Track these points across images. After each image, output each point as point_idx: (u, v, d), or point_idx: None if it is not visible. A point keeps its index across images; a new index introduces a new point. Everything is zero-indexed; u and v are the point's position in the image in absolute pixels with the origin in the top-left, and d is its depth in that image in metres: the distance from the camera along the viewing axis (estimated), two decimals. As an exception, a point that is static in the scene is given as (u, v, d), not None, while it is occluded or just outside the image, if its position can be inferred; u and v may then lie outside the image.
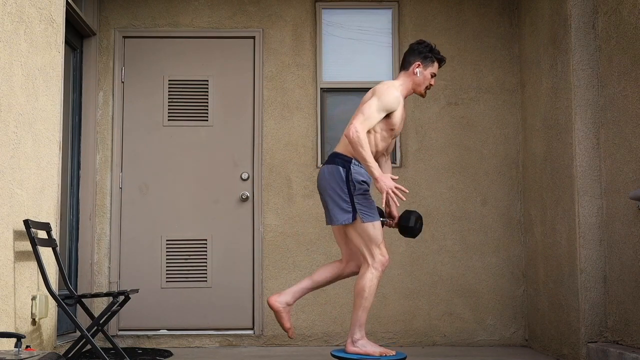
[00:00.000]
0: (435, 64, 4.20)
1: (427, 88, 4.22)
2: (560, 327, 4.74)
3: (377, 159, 4.29)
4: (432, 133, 5.64)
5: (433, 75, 4.20)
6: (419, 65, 4.16)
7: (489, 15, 5.74)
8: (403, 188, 3.93)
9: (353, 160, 4.05)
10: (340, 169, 4.04)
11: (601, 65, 4.42)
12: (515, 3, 5.71)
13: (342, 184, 4.02)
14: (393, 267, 5.47)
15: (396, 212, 4.34)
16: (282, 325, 4.15)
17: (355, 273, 4.23)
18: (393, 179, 3.94)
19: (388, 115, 4.08)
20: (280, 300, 4.14)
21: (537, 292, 5.22)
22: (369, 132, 4.08)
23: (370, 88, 5.58)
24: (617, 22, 4.18)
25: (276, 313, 4.13)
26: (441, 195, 5.60)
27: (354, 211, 4.01)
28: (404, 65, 4.22)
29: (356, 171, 4.02)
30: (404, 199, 3.96)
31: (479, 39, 5.72)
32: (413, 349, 5.27)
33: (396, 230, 5.47)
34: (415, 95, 5.65)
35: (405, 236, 4.32)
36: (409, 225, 4.24)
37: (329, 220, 4.16)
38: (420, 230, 4.28)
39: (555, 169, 4.83)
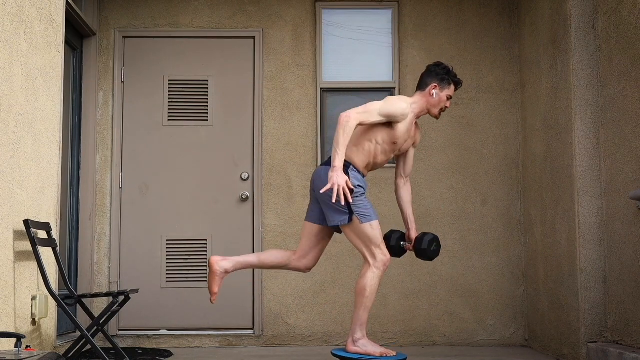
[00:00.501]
0: (452, 87, 4.20)
1: (441, 110, 4.22)
2: (560, 327, 4.74)
3: (395, 180, 4.34)
4: (432, 133, 5.64)
5: (449, 98, 4.20)
6: (435, 86, 4.16)
7: (489, 15, 5.74)
8: (348, 194, 3.89)
9: (351, 166, 4.05)
10: None
11: (601, 65, 4.42)
12: (515, 3, 5.71)
13: None
14: (393, 267, 5.47)
15: (414, 235, 4.31)
16: (210, 287, 4.12)
17: (301, 270, 4.23)
18: (347, 184, 3.91)
19: (392, 127, 4.07)
20: (221, 264, 4.13)
21: (537, 292, 5.22)
22: (369, 141, 4.09)
23: (370, 88, 5.66)
24: (617, 22, 4.18)
25: (212, 274, 4.11)
26: (441, 195, 5.60)
27: (351, 212, 4.00)
28: (420, 85, 4.22)
29: (353, 176, 4.02)
30: (343, 202, 3.89)
31: (479, 39, 5.72)
32: (413, 349, 5.27)
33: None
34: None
35: (422, 259, 4.28)
36: (421, 247, 4.19)
37: (312, 218, 4.17)
38: (436, 253, 4.22)
39: (555, 169, 4.83)
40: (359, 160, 4.09)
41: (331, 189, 3.88)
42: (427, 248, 4.18)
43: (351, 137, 4.02)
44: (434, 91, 4.16)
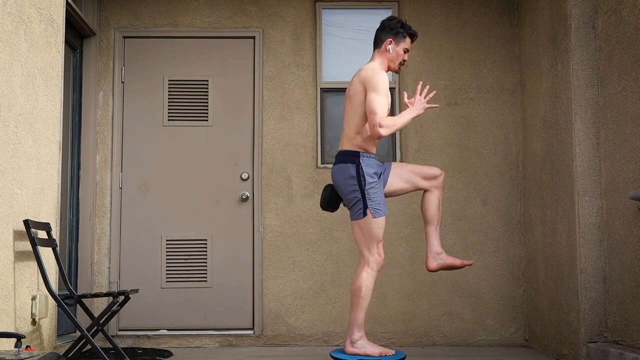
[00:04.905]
0: (407, 40, 4.19)
1: (400, 64, 4.21)
2: (560, 327, 4.74)
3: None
4: (432, 133, 5.64)
5: (406, 51, 4.19)
6: (390, 41, 4.16)
7: (489, 15, 5.74)
8: (428, 105, 4.09)
9: (361, 153, 4.03)
10: (350, 166, 4.01)
11: (601, 65, 4.42)
12: (515, 3, 5.71)
13: (352, 180, 4.00)
14: (393, 267, 5.47)
15: None
16: (453, 266, 4.14)
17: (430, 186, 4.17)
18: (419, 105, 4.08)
19: (385, 97, 4.07)
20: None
21: (537, 292, 5.22)
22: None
23: (370, 88, 5.64)
24: (617, 22, 4.18)
25: (448, 267, 4.13)
26: (441, 195, 5.60)
27: (365, 206, 4.00)
28: (376, 42, 4.21)
29: (366, 163, 4.01)
30: (426, 106, 4.09)
31: (479, 39, 5.72)
32: (413, 349, 5.27)
33: (397, 231, 5.48)
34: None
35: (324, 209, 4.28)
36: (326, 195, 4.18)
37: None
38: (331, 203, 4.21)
39: (555, 169, 4.83)
40: (368, 142, 4.06)
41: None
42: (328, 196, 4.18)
43: (352, 125, 4.05)
44: (389, 46, 4.16)
